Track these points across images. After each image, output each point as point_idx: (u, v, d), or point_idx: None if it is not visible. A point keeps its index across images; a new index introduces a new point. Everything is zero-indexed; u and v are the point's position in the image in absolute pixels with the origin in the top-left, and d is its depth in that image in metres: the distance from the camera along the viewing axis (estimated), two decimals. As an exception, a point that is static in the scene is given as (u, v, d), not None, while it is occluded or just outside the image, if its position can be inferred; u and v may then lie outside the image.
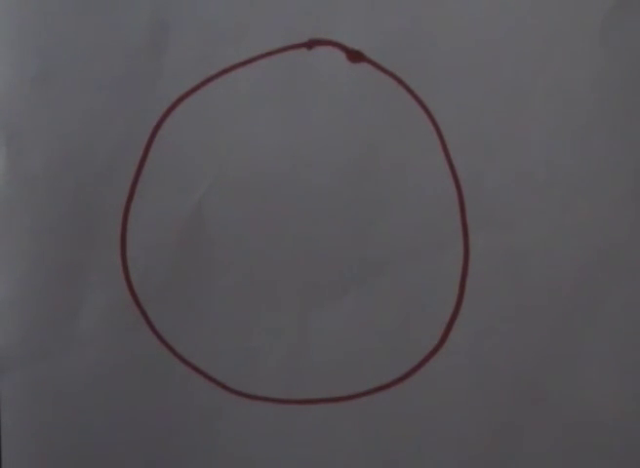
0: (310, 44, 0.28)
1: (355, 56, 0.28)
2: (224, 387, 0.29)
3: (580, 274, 0.28)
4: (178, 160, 0.28)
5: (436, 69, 0.28)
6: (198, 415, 0.29)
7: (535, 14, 0.27)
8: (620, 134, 0.27)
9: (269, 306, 0.29)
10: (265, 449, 0.29)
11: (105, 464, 0.29)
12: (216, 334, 0.29)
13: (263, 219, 0.28)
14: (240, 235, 0.29)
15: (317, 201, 0.28)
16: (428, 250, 0.28)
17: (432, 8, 0.27)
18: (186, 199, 0.29)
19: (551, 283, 0.28)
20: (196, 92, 0.28)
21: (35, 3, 0.28)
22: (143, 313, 0.29)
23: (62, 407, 0.29)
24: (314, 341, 0.29)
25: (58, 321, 0.29)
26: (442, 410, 0.28)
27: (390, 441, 0.28)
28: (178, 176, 0.29)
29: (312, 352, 0.29)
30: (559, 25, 0.27)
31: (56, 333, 0.29)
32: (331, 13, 0.28)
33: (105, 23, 0.28)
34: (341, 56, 0.28)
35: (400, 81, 0.28)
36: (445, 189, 0.28)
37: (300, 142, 0.28)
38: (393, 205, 0.28)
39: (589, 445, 0.28)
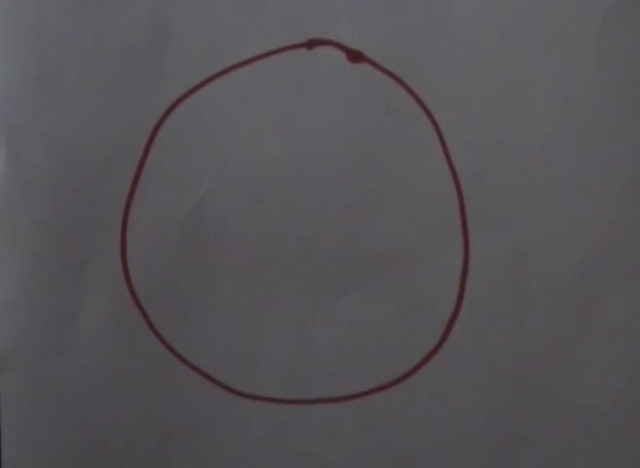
0: (310, 44, 0.28)
1: (355, 56, 0.28)
2: (224, 387, 0.29)
3: (580, 273, 0.28)
4: (178, 160, 0.28)
5: (436, 69, 0.28)
6: (198, 415, 0.29)
7: (534, 13, 0.27)
8: (619, 133, 0.27)
9: (270, 306, 0.29)
10: (265, 449, 0.29)
11: (105, 463, 0.29)
12: (216, 334, 0.29)
13: (264, 219, 0.28)
14: (240, 235, 0.29)
15: (317, 201, 0.28)
16: (428, 249, 0.28)
17: (432, 8, 0.27)
18: (186, 199, 0.29)
19: (551, 282, 0.28)
20: (196, 92, 0.28)
21: (35, 3, 0.28)
22: (143, 313, 0.29)
23: (62, 406, 0.29)
24: (314, 341, 0.29)
25: (58, 321, 0.29)
26: (442, 410, 0.28)
27: (390, 441, 0.28)
28: (178, 176, 0.29)
29: (312, 352, 0.29)
30: (558, 25, 0.27)
31: (56, 333, 0.29)
32: (331, 13, 0.28)
33: (105, 23, 0.28)
34: (341, 56, 0.28)
35: (400, 81, 0.28)
36: (445, 189, 0.28)
37: (301, 142, 0.28)
38: (393, 205, 0.28)
39: (590, 444, 0.28)
